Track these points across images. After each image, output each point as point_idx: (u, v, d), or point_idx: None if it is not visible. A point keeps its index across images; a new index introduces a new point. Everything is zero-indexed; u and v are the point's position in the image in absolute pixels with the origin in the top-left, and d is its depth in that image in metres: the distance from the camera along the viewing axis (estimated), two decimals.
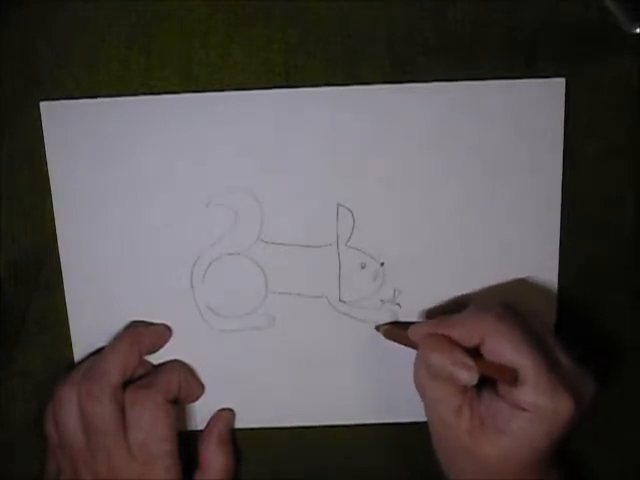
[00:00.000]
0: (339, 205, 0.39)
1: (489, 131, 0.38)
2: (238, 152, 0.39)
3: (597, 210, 0.40)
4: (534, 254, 0.39)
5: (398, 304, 0.40)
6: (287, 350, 0.40)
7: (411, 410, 0.41)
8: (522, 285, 0.39)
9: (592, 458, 0.42)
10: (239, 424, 0.41)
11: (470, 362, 0.34)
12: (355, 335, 0.40)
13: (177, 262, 0.40)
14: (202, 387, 0.40)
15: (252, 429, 0.41)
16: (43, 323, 0.40)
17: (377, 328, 0.40)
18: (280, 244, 0.40)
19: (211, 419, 0.41)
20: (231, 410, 0.41)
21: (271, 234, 0.39)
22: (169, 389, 0.38)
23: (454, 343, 0.35)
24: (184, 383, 0.39)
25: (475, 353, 0.35)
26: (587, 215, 0.40)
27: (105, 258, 0.39)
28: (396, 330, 0.39)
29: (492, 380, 0.35)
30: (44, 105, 0.38)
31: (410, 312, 0.40)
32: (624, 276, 0.40)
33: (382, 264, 0.40)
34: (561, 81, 0.38)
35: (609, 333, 0.41)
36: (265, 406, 0.41)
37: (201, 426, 0.41)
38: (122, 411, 0.37)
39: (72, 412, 0.37)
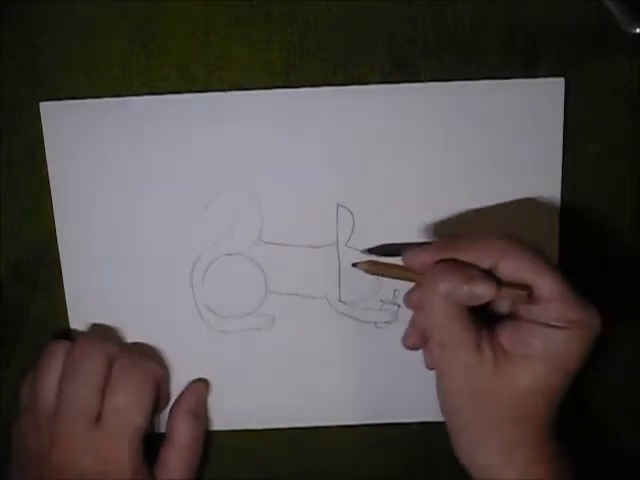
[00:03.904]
0: (339, 205, 0.39)
1: (489, 131, 0.38)
2: (238, 152, 0.39)
3: (597, 210, 0.40)
4: None
5: (398, 304, 0.40)
6: (287, 350, 0.40)
7: (411, 411, 0.41)
8: None
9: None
10: (239, 425, 0.41)
11: (484, 275, 0.33)
12: (355, 335, 0.40)
13: (177, 262, 0.40)
14: (168, 399, 0.40)
15: (252, 430, 0.41)
16: (43, 323, 0.40)
17: (354, 265, 0.38)
18: (280, 244, 0.40)
19: (183, 390, 0.40)
20: (205, 381, 0.40)
21: (271, 234, 0.39)
22: (156, 375, 0.38)
23: (465, 263, 0.34)
24: (164, 380, 0.39)
25: None
26: (587, 215, 0.40)
27: (105, 258, 0.39)
28: (380, 264, 0.37)
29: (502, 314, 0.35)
30: (44, 105, 0.38)
31: (410, 312, 0.40)
32: (624, 276, 0.40)
33: None
34: (560, 81, 0.38)
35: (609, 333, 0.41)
36: (265, 406, 0.41)
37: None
38: (106, 379, 0.37)
39: (54, 367, 0.37)
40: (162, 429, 0.40)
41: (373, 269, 0.37)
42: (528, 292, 0.33)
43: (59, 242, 0.39)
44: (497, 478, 0.34)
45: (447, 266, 0.34)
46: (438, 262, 0.35)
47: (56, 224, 0.39)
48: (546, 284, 0.33)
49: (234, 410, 0.41)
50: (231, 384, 0.41)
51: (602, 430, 0.41)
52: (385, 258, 0.38)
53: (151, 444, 0.38)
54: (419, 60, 0.38)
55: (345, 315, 0.40)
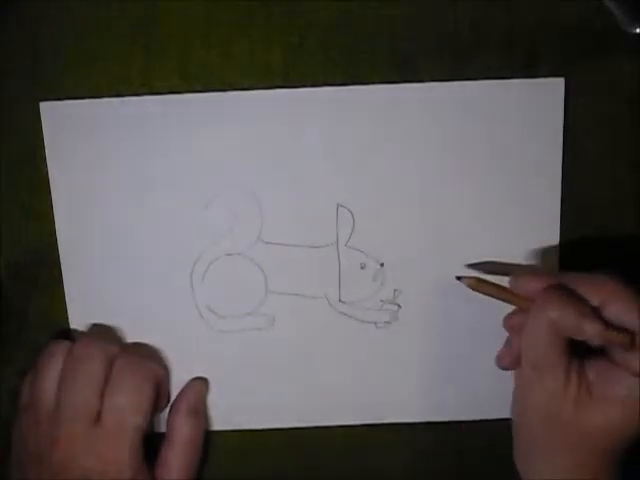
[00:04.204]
0: (339, 205, 0.39)
1: (489, 131, 0.38)
2: (238, 152, 0.39)
3: (597, 210, 0.40)
4: (534, 254, 0.39)
5: (398, 304, 0.40)
6: (287, 350, 0.40)
7: (411, 411, 0.41)
8: None
9: None
10: (239, 425, 0.41)
11: (594, 314, 0.33)
12: (355, 335, 0.40)
13: (177, 262, 0.40)
14: (168, 400, 0.40)
15: (252, 430, 0.41)
16: (43, 323, 0.40)
17: (458, 278, 0.37)
18: (280, 244, 0.40)
19: (182, 389, 0.40)
20: (205, 380, 0.40)
21: (271, 234, 0.39)
22: (156, 375, 0.38)
23: (576, 295, 0.34)
24: (164, 380, 0.39)
25: None
26: (587, 215, 0.40)
27: (105, 258, 0.39)
28: (485, 282, 0.37)
29: (598, 349, 0.35)
30: (44, 105, 0.38)
31: (410, 312, 0.40)
32: (624, 277, 0.40)
33: (382, 265, 0.40)
34: (560, 81, 0.38)
35: None
36: (265, 406, 0.41)
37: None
38: (106, 379, 0.37)
39: (54, 367, 0.37)
40: (162, 429, 0.40)
41: (477, 286, 0.37)
42: (631, 339, 0.33)
43: (59, 242, 0.39)
44: None
45: (561, 295, 0.34)
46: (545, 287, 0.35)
47: (56, 224, 0.39)
48: None
49: (234, 410, 0.41)
50: (231, 384, 0.41)
51: None
52: (484, 275, 0.38)
53: (151, 444, 0.38)
54: (419, 60, 0.38)
55: (345, 315, 0.40)
